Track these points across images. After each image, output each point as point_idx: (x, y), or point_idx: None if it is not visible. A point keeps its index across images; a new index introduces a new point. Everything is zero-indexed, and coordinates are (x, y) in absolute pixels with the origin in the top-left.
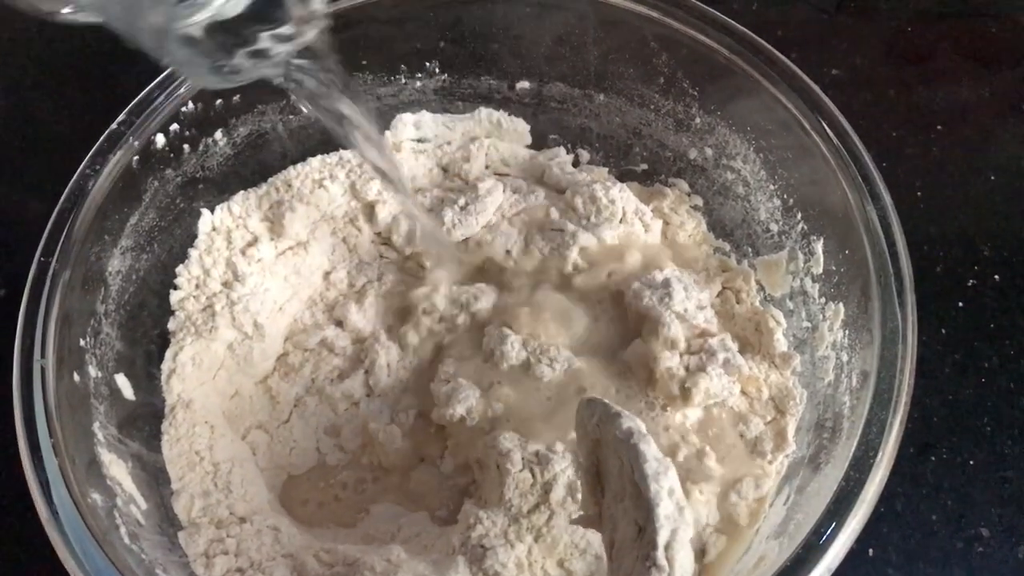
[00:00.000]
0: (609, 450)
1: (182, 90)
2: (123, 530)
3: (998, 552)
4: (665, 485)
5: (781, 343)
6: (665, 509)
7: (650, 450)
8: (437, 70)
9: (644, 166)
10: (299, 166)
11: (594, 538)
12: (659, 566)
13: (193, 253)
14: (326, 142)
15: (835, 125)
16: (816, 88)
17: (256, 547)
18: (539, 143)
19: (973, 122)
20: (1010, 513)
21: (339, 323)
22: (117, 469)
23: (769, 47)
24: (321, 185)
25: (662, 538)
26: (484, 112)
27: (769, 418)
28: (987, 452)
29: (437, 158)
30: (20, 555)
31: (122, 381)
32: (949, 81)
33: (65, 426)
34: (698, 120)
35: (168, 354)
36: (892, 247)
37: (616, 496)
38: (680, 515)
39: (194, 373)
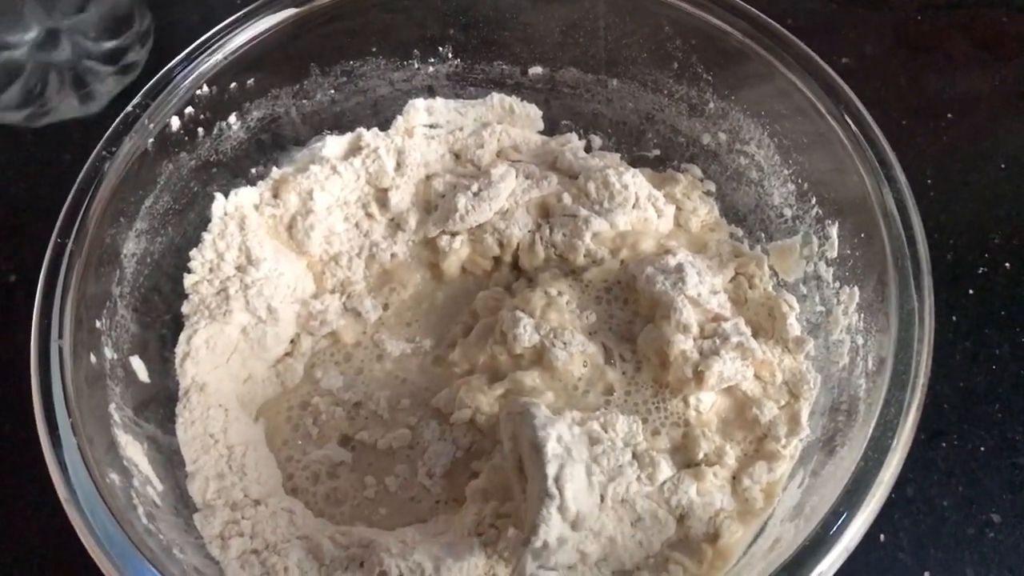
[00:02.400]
0: (522, 440)
1: (197, 73)
2: (140, 510)
3: (1009, 538)
4: (552, 433)
5: (794, 327)
6: (552, 448)
7: (539, 410)
8: (450, 55)
9: (657, 152)
10: None
11: (607, 520)
12: (550, 494)
13: (207, 237)
14: (339, 127)
15: (851, 109)
16: (831, 72)
17: (271, 529)
18: (551, 129)
19: (983, 111)
20: (1021, 499)
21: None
22: (133, 450)
23: (784, 31)
24: (335, 171)
25: (551, 471)
26: (496, 98)
27: (783, 402)
28: (998, 439)
29: (449, 144)
30: (38, 538)
31: (137, 363)
32: (959, 70)
33: (83, 407)
34: (712, 105)
35: (182, 337)
36: (908, 230)
37: (532, 477)
38: (569, 456)
39: (208, 356)
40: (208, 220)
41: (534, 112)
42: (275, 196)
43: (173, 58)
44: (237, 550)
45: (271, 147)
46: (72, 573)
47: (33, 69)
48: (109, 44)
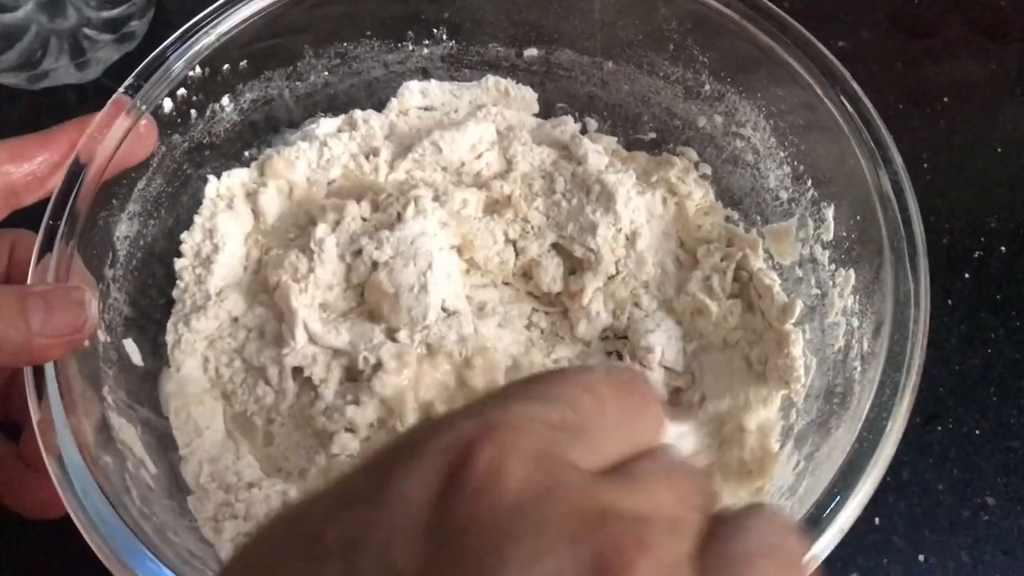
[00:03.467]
0: None
1: (191, 54)
2: (134, 493)
3: (1004, 521)
4: None
5: (781, 296)
6: None
7: None
8: (445, 36)
9: (652, 135)
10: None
11: None
12: None
13: (198, 220)
14: (332, 109)
15: (847, 91)
16: (829, 54)
17: (265, 511)
18: (546, 112)
19: (980, 96)
20: (1016, 482)
21: None
22: (127, 433)
23: (781, 13)
24: (325, 145)
25: None
26: (491, 80)
27: None
28: (993, 422)
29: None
30: (28, 525)
31: (130, 346)
32: (956, 55)
33: (76, 389)
34: (707, 87)
35: (172, 320)
36: (904, 211)
37: None
38: None
39: (197, 340)
40: (200, 203)
41: (529, 95)
42: (261, 175)
43: (174, 29)
44: (231, 532)
45: (264, 129)
46: (66, 556)
47: (35, 33)
48: (111, 12)
